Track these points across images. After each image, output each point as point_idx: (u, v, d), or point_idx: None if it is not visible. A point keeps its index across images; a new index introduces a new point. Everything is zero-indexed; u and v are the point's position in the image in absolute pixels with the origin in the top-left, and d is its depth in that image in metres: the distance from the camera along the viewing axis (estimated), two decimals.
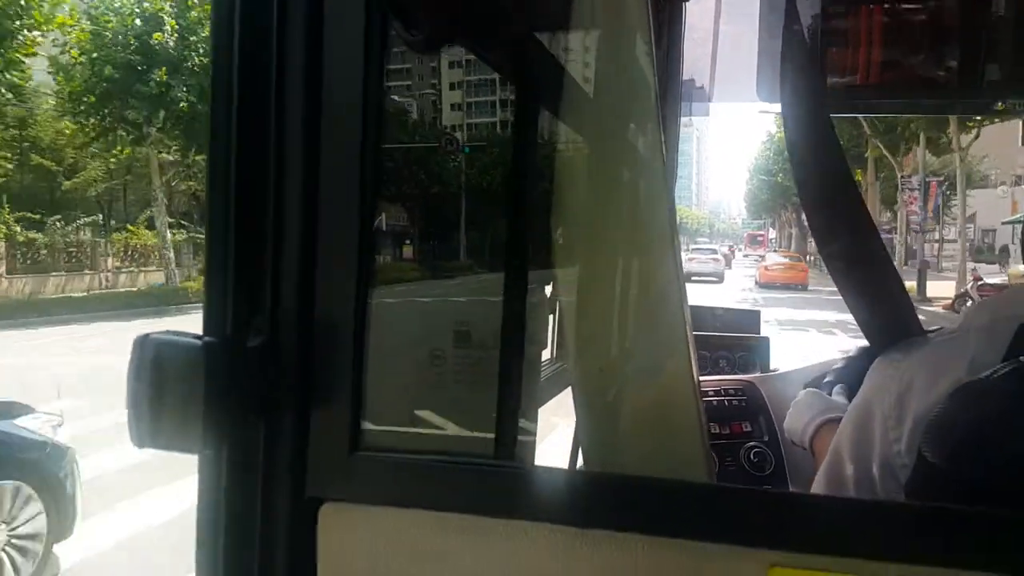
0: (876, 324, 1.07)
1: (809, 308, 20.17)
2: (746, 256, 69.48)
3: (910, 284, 20.88)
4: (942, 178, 28.37)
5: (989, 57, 1.65)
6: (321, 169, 0.75)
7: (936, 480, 0.77)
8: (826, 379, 1.62)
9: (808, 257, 35.52)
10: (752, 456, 1.90)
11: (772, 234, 76.79)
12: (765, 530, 0.67)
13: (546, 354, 1.39)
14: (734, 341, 2.56)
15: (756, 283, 30.34)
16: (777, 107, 1.21)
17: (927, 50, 1.73)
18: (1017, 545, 0.62)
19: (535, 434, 1.15)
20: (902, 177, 27.29)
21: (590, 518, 0.70)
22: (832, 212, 1.07)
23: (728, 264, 43.28)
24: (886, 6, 1.71)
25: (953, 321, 1.05)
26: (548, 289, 1.19)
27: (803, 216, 1.14)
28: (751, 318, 2.77)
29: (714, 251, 38.67)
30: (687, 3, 1.88)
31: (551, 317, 1.27)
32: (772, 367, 2.49)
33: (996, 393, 0.76)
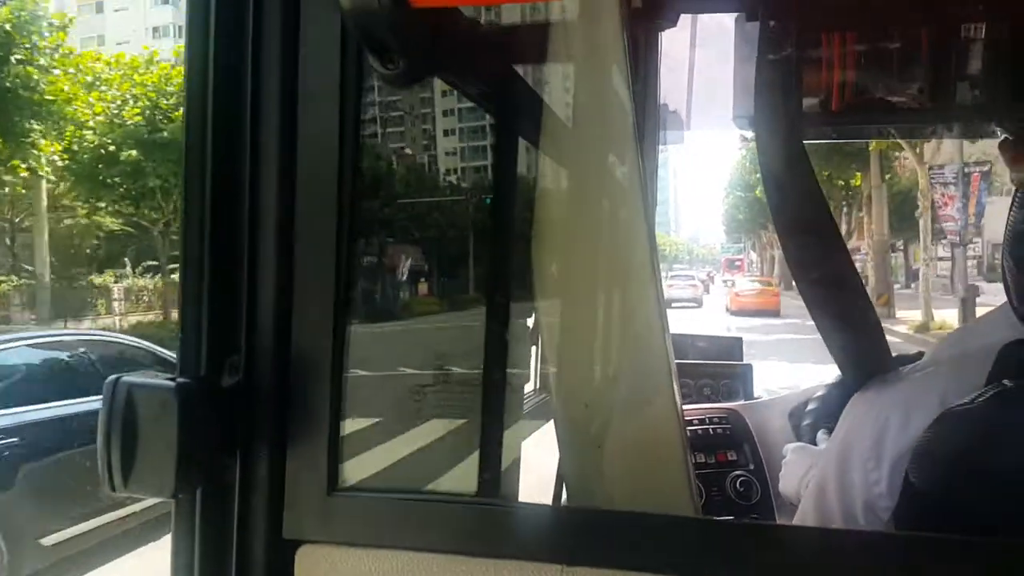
0: (851, 355, 1.07)
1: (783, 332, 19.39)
2: (725, 283, 65.82)
3: (946, 316, 17.10)
4: (986, 168, 18.80)
5: (959, 79, 1.68)
6: (296, 206, 0.74)
7: (923, 505, 0.77)
8: (808, 408, 1.62)
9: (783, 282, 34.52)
10: (738, 485, 1.89)
11: (753, 257, 75.21)
12: (754, 563, 0.66)
13: (529, 386, 1.37)
14: (717, 369, 2.55)
15: (727, 311, 28.47)
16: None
17: (899, 74, 1.75)
18: (1010, 571, 0.61)
19: (518, 469, 1.14)
20: (931, 170, 19.05)
21: (576, 555, 0.69)
22: (807, 240, 1.07)
23: (707, 289, 42.76)
24: (858, 32, 1.73)
25: None
26: (530, 321, 1.18)
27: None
28: (733, 345, 2.77)
29: (691, 277, 38.95)
30: (663, 32, 1.90)
31: (534, 349, 1.26)
32: (756, 394, 2.48)
33: (981, 417, 0.76)
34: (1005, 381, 0.76)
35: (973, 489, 0.75)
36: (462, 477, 1.14)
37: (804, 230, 1.07)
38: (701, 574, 0.66)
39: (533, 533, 0.71)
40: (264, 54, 0.73)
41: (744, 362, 2.61)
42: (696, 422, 2.01)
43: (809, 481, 1.30)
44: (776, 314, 26.38)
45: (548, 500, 1.26)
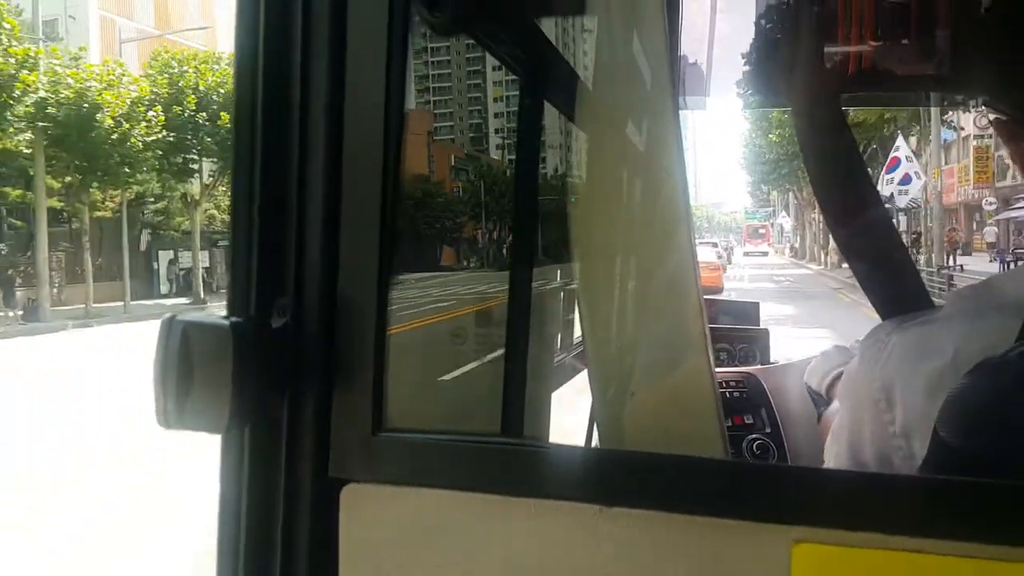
0: (891, 300, 1.08)
1: None
2: (747, 254, 56.54)
3: None
4: None
5: (977, 49, 1.65)
6: (344, 151, 0.74)
7: (954, 459, 0.76)
8: (824, 369, 1.62)
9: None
10: (755, 448, 1.89)
11: (785, 222, 61.38)
12: (789, 506, 0.66)
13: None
14: (734, 333, 2.53)
15: None
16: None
17: (916, 42, 1.73)
18: None
19: (548, 415, 1.15)
20: None
21: (612, 496, 0.69)
22: (845, 199, 1.09)
23: (728, 259, 40.86)
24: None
25: None
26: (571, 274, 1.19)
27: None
28: (750, 310, 2.74)
29: (715, 244, 38.76)
30: None
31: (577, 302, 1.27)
32: (772, 359, 2.47)
33: (1015, 370, 0.73)
34: None
35: (1004, 442, 0.73)
36: (500, 419, 1.15)
37: (843, 190, 1.08)
38: (737, 516, 0.66)
39: (572, 474, 0.72)
40: (313, 5, 0.72)
41: (761, 326, 2.59)
42: None
43: (833, 376, 1.33)
44: (719, 292, 25.82)
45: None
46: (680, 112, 1.98)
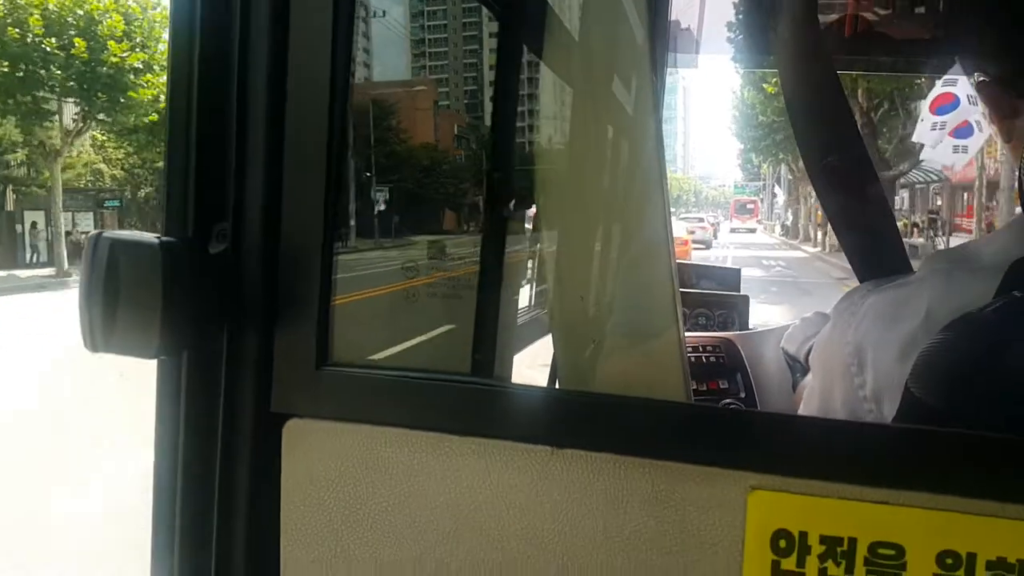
0: (871, 262, 1.06)
1: None
2: (734, 231, 53.59)
3: None
4: None
5: (973, 13, 1.61)
6: (289, 71, 0.70)
7: (925, 414, 0.74)
8: (801, 334, 1.60)
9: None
10: None
11: (777, 195, 55.68)
12: (746, 452, 0.64)
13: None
14: (713, 298, 2.53)
15: None
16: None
17: (912, 5, 1.70)
18: (1005, 468, 0.60)
19: (511, 353, 1.13)
20: None
21: (564, 437, 0.67)
22: (835, 163, 1.06)
23: (714, 235, 40.25)
24: None
25: None
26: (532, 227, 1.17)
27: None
28: (731, 276, 2.74)
29: (702, 219, 38.43)
30: None
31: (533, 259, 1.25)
32: (751, 325, 2.46)
33: (990, 325, 0.72)
34: (1016, 292, 0.73)
35: (981, 399, 0.72)
36: (453, 358, 1.13)
37: (834, 153, 1.06)
38: (692, 461, 0.64)
39: (523, 414, 0.70)
40: None
41: (741, 293, 2.58)
42: (690, 350, 2.00)
43: (811, 346, 1.32)
44: None
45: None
46: (667, 71, 1.95)
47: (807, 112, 1.08)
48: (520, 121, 1.43)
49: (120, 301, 0.63)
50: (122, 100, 19.35)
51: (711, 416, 0.70)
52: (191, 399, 0.72)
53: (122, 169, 28.75)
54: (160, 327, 0.64)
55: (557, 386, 1.00)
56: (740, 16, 1.87)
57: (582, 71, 1.02)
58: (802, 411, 1.00)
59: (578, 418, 0.69)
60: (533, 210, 1.20)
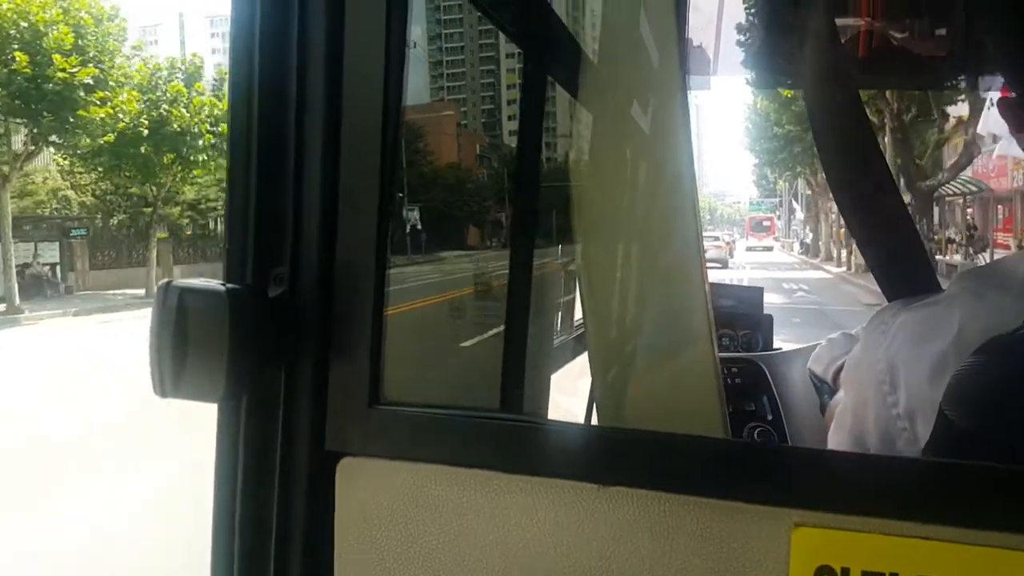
0: (898, 281, 1.08)
1: None
2: (750, 249, 51.47)
3: None
4: None
5: (988, 31, 1.63)
6: (343, 121, 0.74)
7: (959, 439, 0.74)
8: (829, 355, 1.61)
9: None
10: (756, 435, 1.88)
11: (796, 210, 52.75)
12: (789, 489, 0.66)
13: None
14: (737, 319, 2.52)
15: None
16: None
17: (927, 22, 1.71)
18: None
19: (549, 391, 1.15)
20: None
21: (609, 474, 0.69)
22: (859, 181, 1.08)
23: (730, 253, 39.05)
24: None
25: None
26: (572, 256, 1.19)
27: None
28: (754, 295, 2.72)
29: (717, 238, 37.76)
30: None
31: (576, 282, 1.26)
32: (775, 346, 2.46)
33: (1022, 348, 0.72)
34: None
35: (1015, 424, 0.71)
36: (498, 396, 1.15)
37: (856, 171, 1.08)
38: (736, 498, 0.66)
39: (569, 451, 0.72)
40: None
41: (764, 313, 2.57)
42: None
43: (839, 364, 1.32)
44: None
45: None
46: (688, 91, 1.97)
47: (831, 132, 1.10)
48: (546, 136, 1.46)
49: (189, 348, 0.67)
50: (72, 120, 18.05)
51: (754, 452, 0.72)
52: (249, 439, 0.75)
53: (92, 195, 27.69)
54: (226, 371, 0.67)
55: (595, 410, 1.01)
56: (756, 38, 1.89)
57: (606, 97, 1.05)
58: (834, 431, 1.01)
59: (622, 455, 0.71)
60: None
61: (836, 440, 0.99)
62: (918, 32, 1.70)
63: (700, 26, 1.96)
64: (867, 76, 1.98)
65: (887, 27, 1.70)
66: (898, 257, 1.08)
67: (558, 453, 0.72)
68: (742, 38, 1.94)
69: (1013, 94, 0.87)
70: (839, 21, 1.66)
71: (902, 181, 17.44)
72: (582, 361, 1.22)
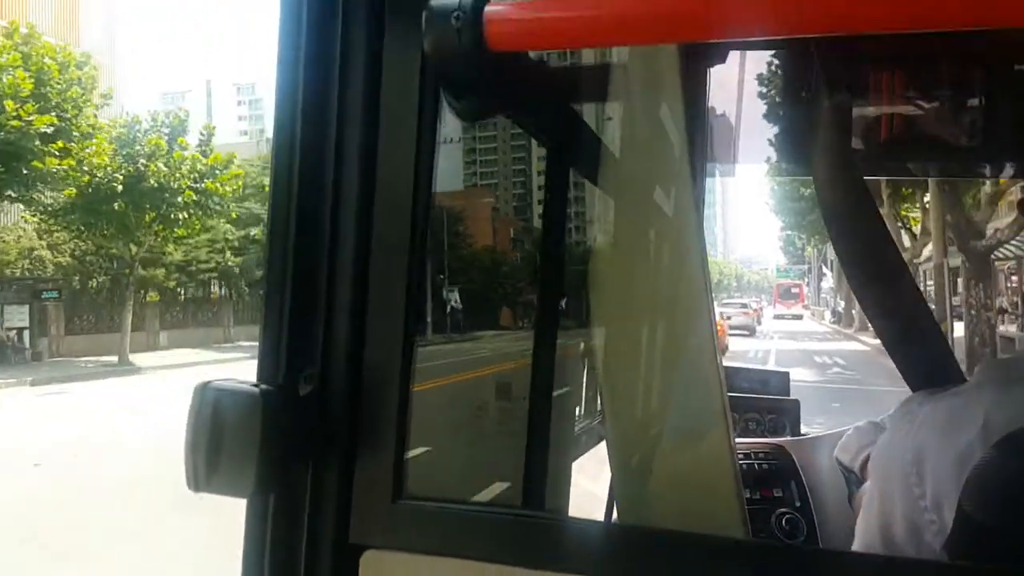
0: (919, 371, 1.09)
1: None
2: (778, 317, 49.71)
3: None
4: None
5: (1012, 119, 1.66)
6: (374, 224, 0.78)
7: (977, 534, 0.75)
8: (856, 444, 1.60)
9: None
10: (784, 523, 1.86)
11: (826, 278, 50.41)
12: None
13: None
14: (763, 403, 2.50)
15: None
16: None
17: (949, 111, 1.75)
18: None
19: (568, 485, 1.16)
20: None
21: (631, 573, 0.70)
22: (874, 273, 1.11)
23: (758, 321, 38.39)
24: (908, 69, 1.73)
25: None
26: (584, 346, 1.22)
27: None
28: (780, 380, 2.72)
29: (746, 305, 37.63)
30: (711, 69, 1.93)
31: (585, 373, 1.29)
32: (803, 431, 2.44)
33: None
34: None
35: None
36: (520, 491, 1.16)
37: (870, 262, 1.10)
38: None
39: (592, 550, 0.73)
40: (349, 86, 0.78)
41: (791, 397, 2.56)
42: (741, 456, 1.99)
43: (867, 454, 1.31)
44: None
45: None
46: (705, 178, 2.03)
47: (844, 222, 1.13)
48: (568, 223, 1.51)
49: (223, 445, 0.70)
50: (25, 171, 17.04)
51: (775, 553, 0.73)
52: (276, 532, 0.77)
53: (71, 256, 25.38)
54: (256, 468, 0.70)
55: (616, 503, 1.02)
56: (776, 128, 1.95)
57: (625, 190, 1.09)
58: (861, 520, 1.00)
59: (643, 554, 0.72)
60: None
61: (863, 530, 0.99)
62: (940, 119, 1.74)
63: (722, 115, 2.03)
64: (889, 163, 2.02)
65: (909, 113, 1.74)
66: (917, 344, 1.10)
67: (580, 550, 0.73)
68: (761, 126, 2.00)
69: None
70: (859, 110, 1.71)
71: (955, 241, 16.13)
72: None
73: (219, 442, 0.70)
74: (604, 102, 1.19)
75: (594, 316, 1.04)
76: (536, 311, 1.28)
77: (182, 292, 29.86)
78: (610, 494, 1.27)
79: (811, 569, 0.70)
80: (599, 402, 1.37)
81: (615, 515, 1.08)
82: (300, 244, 0.78)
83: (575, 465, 1.45)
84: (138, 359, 21.69)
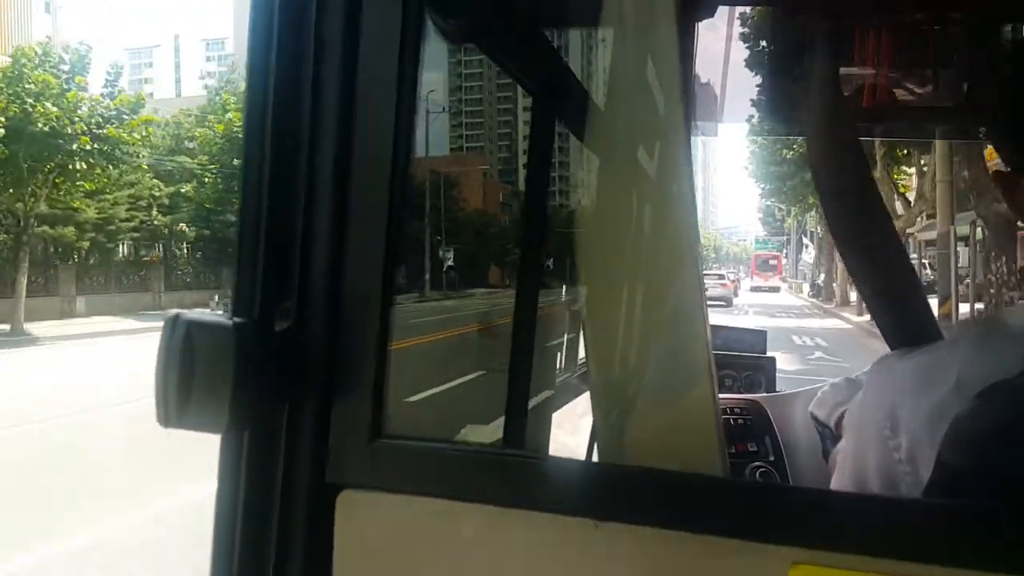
0: (898, 328, 1.09)
1: None
2: (755, 289, 49.08)
3: None
4: None
5: (997, 82, 1.65)
6: (353, 156, 0.76)
7: (957, 482, 0.76)
8: (831, 399, 1.62)
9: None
10: (758, 476, 1.91)
11: (807, 249, 48.53)
12: (787, 527, 0.66)
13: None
14: (740, 360, 2.56)
15: None
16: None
17: (934, 74, 1.74)
18: None
19: (550, 426, 1.16)
20: None
21: (607, 511, 0.70)
22: (860, 229, 1.10)
23: (735, 292, 38.51)
24: (893, 29, 1.72)
25: None
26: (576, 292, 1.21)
27: None
28: (757, 337, 2.77)
29: (722, 276, 37.92)
30: (699, 23, 1.90)
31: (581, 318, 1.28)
32: (778, 387, 2.48)
33: (1021, 394, 0.73)
34: None
35: (1016, 468, 0.72)
36: (499, 431, 1.16)
37: (857, 218, 1.09)
38: (733, 535, 0.66)
39: (567, 487, 0.73)
40: (328, 5, 0.75)
41: (767, 355, 2.61)
42: None
43: (843, 410, 1.33)
44: None
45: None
46: (691, 137, 2.01)
47: (832, 178, 1.12)
48: (553, 186, 1.50)
49: (195, 380, 0.68)
50: None
51: (752, 490, 0.73)
52: (251, 470, 0.76)
53: None
54: (230, 404, 0.68)
55: (596, 447, 1.02)
56: (762, 85, 1.94)
57: (612, 141, 1.07)
58: (836, 475, 1.02)
59: (620, 491, 0.72)
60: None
61: (839, 485, 1.00)
62: (923, 84, 1.73)
63: (706, 73, 2.01)
64: (872, 126, 2.01)
65: (892, 78, 1.73)
66: (902, 308, 1.10)
67: (555, 488, 0.73)
68: (746, 85, 1.98)
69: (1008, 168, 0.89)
70: (843, 71, 1.70)
71: (972, 203, 14.87)
72: (585, 399, 1.23)
73: (191, 376, 0.68)
74: (593, 31, 1.16)
75: (580, 265, 1.03)
76: (520, 259, 1.26)
77: (98, 253, 26.62)
78: (591, 440, 1.28)
79: (790, 506, 0.70)
80: (582, 351, 1.36)
81: (595, 455, 1.08)
82: (275, 170, 0.75)
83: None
84: (39, 328, 19.51)
